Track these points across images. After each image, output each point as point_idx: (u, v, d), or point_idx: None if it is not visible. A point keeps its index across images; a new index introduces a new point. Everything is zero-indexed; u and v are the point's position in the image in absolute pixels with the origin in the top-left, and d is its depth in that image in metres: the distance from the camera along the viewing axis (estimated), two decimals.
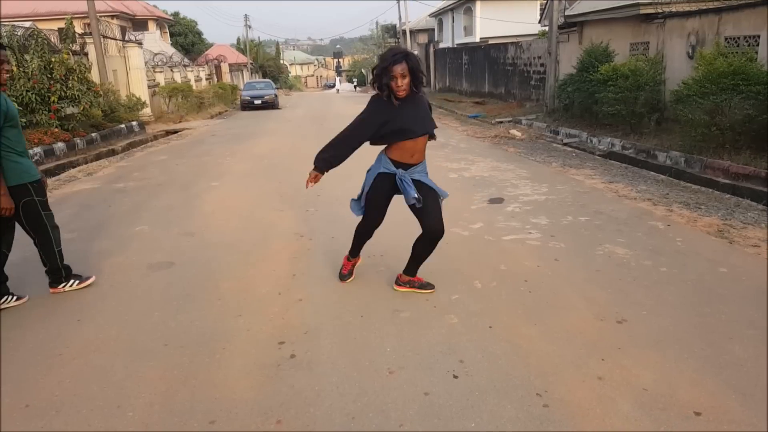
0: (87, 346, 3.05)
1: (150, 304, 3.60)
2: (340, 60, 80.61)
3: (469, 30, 27.26)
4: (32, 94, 9.85)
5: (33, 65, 10.04)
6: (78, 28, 14.81)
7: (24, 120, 9.23)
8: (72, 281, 3.83)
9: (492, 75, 20.25)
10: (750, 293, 3.51)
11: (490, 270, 4.02)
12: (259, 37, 63.31)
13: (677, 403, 2.40)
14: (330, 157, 3.33)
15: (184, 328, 3.23)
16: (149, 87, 17.42)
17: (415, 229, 3.50)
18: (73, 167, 9.28)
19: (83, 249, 4.55)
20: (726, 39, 8.34)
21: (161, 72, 20.63)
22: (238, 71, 41.34)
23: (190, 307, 3.54)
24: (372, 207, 3.48)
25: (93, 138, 11.07)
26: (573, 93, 10.74)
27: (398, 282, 3.66)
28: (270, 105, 23.50)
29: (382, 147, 3.39)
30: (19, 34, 10.74)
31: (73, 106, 10.64)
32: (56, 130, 10.05)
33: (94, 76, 13.12)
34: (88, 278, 3.93)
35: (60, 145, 9.71)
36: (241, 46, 48.49)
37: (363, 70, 55.97)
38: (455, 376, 2.65)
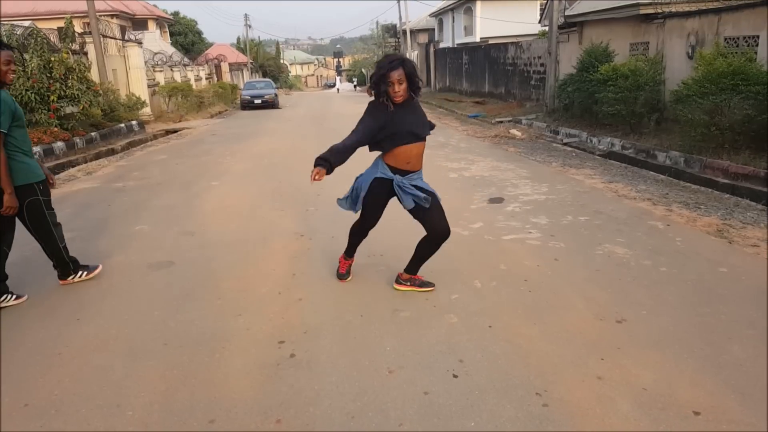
0: (86, 346, 3.05)
1: (150, 304, 3.60)
2: (341, 60, 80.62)
3: (469, 30, 27.27)
4: (32, 93, 9.85)
5: (32, 64, 10.04)
6: (77, 27, 14.80)
7: None
8: (81, 272, 3.95)
9: (492, 75, 20.25)
10: (749, 293, 3.51)
11: (489, 270, 4.02)
12: (259, 37, 63.35)
13: (676, 402, 2.41)
14: (329, 157, 3.32)
15: (183, 328, 3.23)
16: (149, 86, 17.42)
17: (415, 228, 3.51)
18: (73, 166, 9.29)
19: (83, 248, 4.55)
20: (725, 39, 8.34)
21: (161, 71, 20.62)
22: (238, 71, 41.34)
23: (189, 306, 3.54)
24: (368, 211, 3.50)
25: (92, 137, 11.06)
26: (573, 93, 10.74)
27: (398, 281, 3.67)
28: (270, 104, 23.50)
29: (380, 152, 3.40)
30: (18, 33, 10.74)
31: (72, 106, 10.64)
32: (56, 129, 10.04)
33: (94, 75, 13.12)
34: (95, 268, 4.06)
35: (59, 144, 9.71)
36: (241, 46, 48.49)
37: (363, 70, 55.95)
38: (455, 376, 2.65)
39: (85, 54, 13.82)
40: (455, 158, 8.95)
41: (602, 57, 10.35)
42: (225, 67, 35.68)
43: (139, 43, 17.19)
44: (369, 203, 3.44)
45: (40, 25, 14.03)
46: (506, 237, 4.81)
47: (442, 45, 31.07)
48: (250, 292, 3.74)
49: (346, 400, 2.49)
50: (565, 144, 10.22)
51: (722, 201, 5.84)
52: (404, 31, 33.77)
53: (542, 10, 16.64)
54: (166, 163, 9.64)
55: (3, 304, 3.53)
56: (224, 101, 24.19)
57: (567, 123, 11.20)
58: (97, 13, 14.42)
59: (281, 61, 63.21)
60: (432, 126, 3.64)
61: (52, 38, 12.11)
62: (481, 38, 25.28)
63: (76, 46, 13.42)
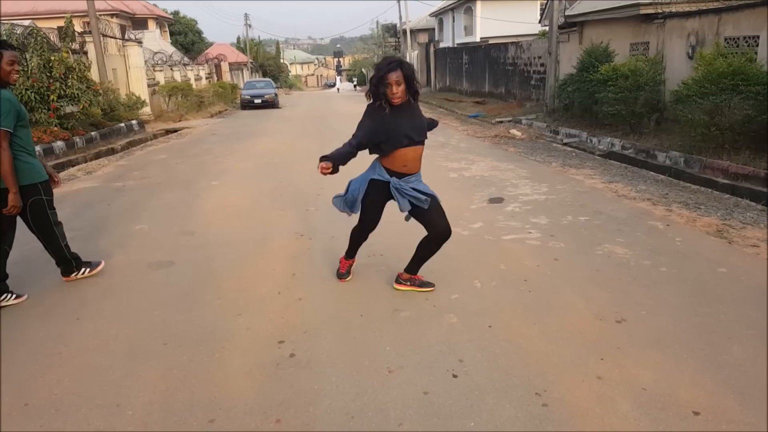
0: (86, 345, 3.05)
1: (149, 303, 3.60)
2: (341, 59, 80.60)
3: (469, 30, 27.27)
4: (31, 92, 9.84)
5: (32, 64, 10.04)
6: (77, 26, 14.79)
7: None
8: (83, 269, 4.01)
9: (492, 75, 20.25)
10: (749, 293, 3.51)
11: (489, 269, 4.02)
12: (259, 36, 63.48)
13: (676, 402, 2.41)
14: (332, 157, 3.31)
15: (183, 327, 3.23)
16: (149, 86, 17.42)
17: (415, 228, 3.51)
18: (73, 166, 9.28)
19: (83, 248, 4.54)
20: (726, 39, 8.34)
21: (161, 71, 20.62)
22: (238, 70, 41.33)
23: (189, 306, 3.54)
24: (366, 213, 3.51)
25: (92, 137, 11.06)
26: (573, 93, 10.74)
27: (398, 280, 3.67)
28: (270, 104, 23.50)
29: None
30: (18, 32, 10.72)
31: (72, 105, 10.63)
32: (55, 128, 10.04)
33: (94, 74, 13.12)
34: (98, 264, 4.13)
35: (59, 143, 9.71)
36: (241, 45, 48.48)
37: (363, 70, 55.95)
38: (455, 376, 2.65)
39: (85, 53, 13.82)
40: (455, 158, 8.95)
41: (602, 57, 10.34)
42: (225, 66, 35.68)
43: (139, 42, 17.19)
44: (366, 205, 3.45)
45: (40, 24, 14.02)
46: (506, 237, 4.81)
47: (442, 45, 31.07)
48: (249, 291, 3.74)
49: (346, 399, 2.49)
50: (565, 144, 10.22)
51: (722, 201, 5.84)
52: (404, 31, 33.76)
53: (542, 10, 16.64)
54: (166, 162, 9.64)
55: (3, 304, 3.53)
56: (224, 101, 24.19)
57: (567, 123, 11.20)
58: (97, 13, 14.42)
59: (281, 60, 63.20)
60: (435, 123, 3.65)
61: (52, 37, 12.11)
62: (481, 38, 25.28)
63: (76, 46, 13.42)
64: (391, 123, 3.20)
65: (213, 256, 4.49)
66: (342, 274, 3.86)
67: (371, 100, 3.24)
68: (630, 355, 2.79)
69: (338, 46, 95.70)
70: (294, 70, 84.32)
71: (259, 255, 4.48)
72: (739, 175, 6.14)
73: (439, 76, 28.94)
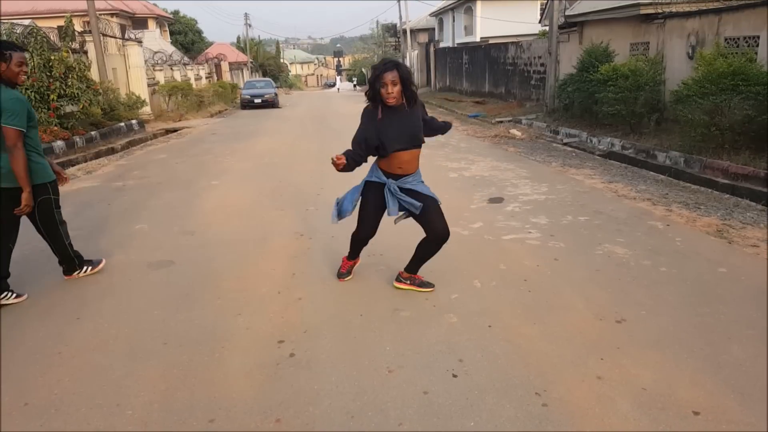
0: (86, 345, 3.05)
1: (149, 303, 3.60)
2: (341, 59, 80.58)
3: (469, 29, 27.27)
4: (31, 92, 9.84)
5: (32, 63, 10.03)
6: (77, 26, 14.80)
7: None
8: (85, 267, 4.07)
9: (492, 75, 20.25)
10: (749, 293, 3.51)
11: (489, 269, 4.02)
12: (259, 36, 63.41)
13: (676, 402, 2.41)
14: (346, 153, 3.32)
15: (183, 327, 3.23)
16: (149, 85, 17.41)
17: (415, 228, 3.51)
18: (73, 165, 9.28)
19: (83, 247, 4.54)
20: (726, 39, 8.34)
21: (161, 70, 20.62)
22: (238, 70, 41.32)
23: (189, 305, 3.54)
24: (362, 216, 3.51)
25: (92, 136, 11.06)
26: (573, 93, 10.74)
27: (399, 279, 3.68)
28: (270, 104, 23.50)
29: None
30: (18, 32, 10.72)
31: (72, 105, 10.63)
32: (55, 128, 10.04)
33: (94, 74, 13.12)
34: (99, 262, 4.18)
35: (59, 143, 9.71)
36: (241, 45, 48.47)
37: (363, 69, 55.91)
38: (454, 375, 2.65)
39: (85, 53, 13.82)
40: (455, 158, 8.95)
41: (602, 57, 10.35)
42: (225, 66, 35.66)
43: (139, 42, 17.19)
44: (362, 207, 3.47)
45: (40, 23, 14.02)
46: (506, 237, 4.81)
47: (442, 45, 31.07)
48: (249, 291, 3.74)
49: (346, 399, 2.49)
50: (565, 144, 10.22)
51: (722, 201, 5.84)
52: (404, 31, 33.75)
53: (542, 10, 16.64)
54: (166, 162, 9.64)
55: (3, 302, 3.54)
56: (224, 100, 24.19)
57: (567, 123, 11.20)
58: (97, 12, 14.42)
59: (281, 60, 63.18)
60: (448, 126, 3.65)
61: (52, 37, 12.11)
62: (481, 38, 25.27)
63: (75, 45, 13.42)
64: (384, 127, 3.21)
65: (213, 256, 4.49)
66: (342, 274, 3.86)
67: (369, 101, 3.26)
68: (630, 355, 2.79)
69: (338, 45, 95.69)
70: (294, 70, 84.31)
71: (259, 255, 4.48)
72: (739, 175, 6.15)
73: (439, 76, 28.94)
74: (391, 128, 3.22)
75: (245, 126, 16.08)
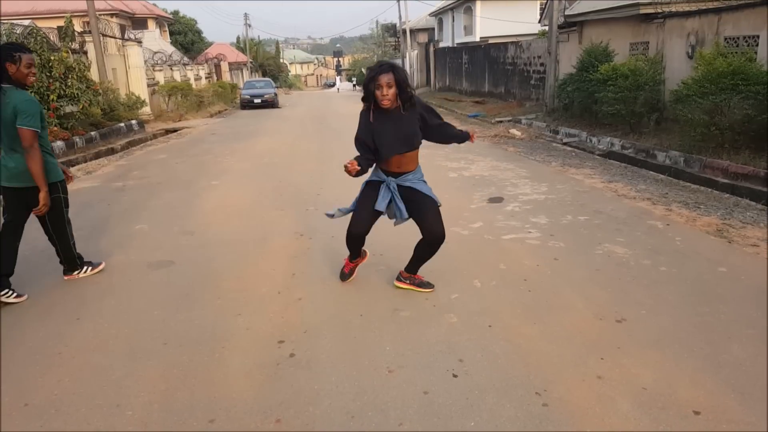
0: (86, 345, 3.05)
1: (149, 303, 3.60)
2: (340, 59, 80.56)
3: (469, 29, 27.26)
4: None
5: None
6: (77, 26, 14.81)
7: None
8: (85, 268, 4.09)
9: (492, 74, 20.25)
10: (749, 293, 3.51)
11: (489, 269, 4.02)
12: (258, 36, 63.41)
13: (676, 402, 2.41)
14: (357, 158, 3.32)
15: (183, 327, 3.23)
16: (149, 86, 17.41)
17: (415, 228, 3.50)
18: (72, 166, 9.27)
19: (83, 247, 4.54)
20: (725, 39, 8.34)
21: (161, 71, 20.62)
22: (238, 70, 41.31)
23: (189, 305, 3.54)
24: (357, 209, 3.48)
25: (92, 136, 11.06)
26: (573, 92, 10.74)
27: (399, 278, 3.68)
28: (270, 104, 23.51)
29: None
30: (18, 32, 10.72)
31: (72, 105, 10.63)
32: (55, 128, 10.03)
33: (94, 74, 13.12)
34: (99, 264, 4.20)
35: (59, 143, 9.70)
36: (240, 45, 48.46)
37: (363, 69, 55.89)
38: (455, 375, 2.65)
39: (85, 53, 13.82)
40: (455, 158, 8.94)
41: (602, 57, 10.35)
42: (225, 66, 35.66)
43: (139, 42, 17.19)
44: (359, 201, 3.46)
45: (40, 24, 14.03)
46: (506, 236, 4.81)
47: (441, 44, 31.06)
48: (249, 291, 3.74)
49: (346, 399, 2.49)
50: (565, 144, 10.22)
51: (722, 201, 5.84)
52: (404, 31, 33.73)
53: (542, 9, 16.64)
54: (165, 162, 9.64)
55: (3, 299, 3.56)
56: (224, 100, 24.20)
57: (567, 123, 11.20)
58: (97, 12, 14.42)
59: (281, 60, 63.18)
60: (465, 136, 3.62)
61: (51, 37, 12.11)
62: (480, 38, 25.26)
63: (75, 45, 13.42)
64: (378, 130, 3.22)
65: (213, 256, 4.49)
66: (345, 275, 3.81)
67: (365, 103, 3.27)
68: (630, 355, 2.79)
69: (338, 45, 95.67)
70: (294, 70, 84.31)
71: (259, 255, 4.48)
72: (739, 174, 6.15)
73: (438, 76, 28.94)
74: (385, 132, 3.22)
75: (245, 126, 16.08)
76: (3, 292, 3.57)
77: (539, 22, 16.64)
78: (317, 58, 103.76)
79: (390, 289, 3.68)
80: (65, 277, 4.00)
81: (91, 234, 5.17)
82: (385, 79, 3.09)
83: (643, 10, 9.89)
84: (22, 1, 22.96)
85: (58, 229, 3.83)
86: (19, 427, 2.37)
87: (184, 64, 25.37)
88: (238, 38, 51.29)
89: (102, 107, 12.37)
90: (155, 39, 26.24)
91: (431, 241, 3.39)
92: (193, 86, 22.10)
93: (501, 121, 13.83)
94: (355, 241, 3.57)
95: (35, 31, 10.83)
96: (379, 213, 3.43)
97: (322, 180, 7.28)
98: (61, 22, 13.45)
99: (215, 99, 22.94)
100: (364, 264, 3.98)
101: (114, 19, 21.37)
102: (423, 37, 35.59)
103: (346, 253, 3.84)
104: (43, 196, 3.50)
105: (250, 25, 47.92)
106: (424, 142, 3.43)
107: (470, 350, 2.88)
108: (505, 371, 2.68)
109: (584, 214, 5.44)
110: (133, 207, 6.26)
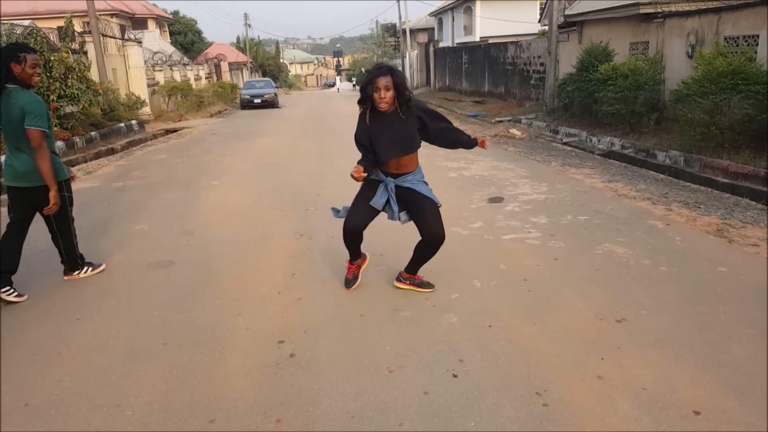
0: (86, 345, 3.05)
1: (149, 303, 3.60)
2: (340, 59, 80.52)
3: (469, 29, 27.25)
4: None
5: None
6: (77, 26, 14.79)
7: None
8: (86, 268, 4.10)
9: (492, 74, 20.24)
10: (749, 292, 3.51)
11: (489, 269, 4.02)
12: (258, 36, 63.41)
13: (677, 402, 2.41)
14: (362, 162, 3.32)
15: (183, 327, 3.23)
16: (149, 86, 17.41)
17: (415, 228, 3.50)
18: (73, 166, 9.27)
19: (83, 248, 4.53)
20: (725, 39, 8.34)
21: (161, 71, 20.61)
22: (238, 70, 41.31)
23: (189, 305, 3.54)
24: (353, 206, 3.45)
25: (92, 137, 11.06)
26: (573, 92, 10.74)
27: (399, 278, 3.68)
28: (270, 104, 23.51)
29: None
30: (18, 32, 10.71)
31: (72, 105, 10.63)
32: (55, 128, 10.00)
33: (94, 74, 13.11)
34: (99, 265, 4.21)
35: (59, 143, 9.69)
36: (240, 45, 48.45)
37: (363, 70, 55.91)
38: (455, 375, 2.65)
39: (85, 53, 13.82)
40: (455, 158, 8.94)
41: (602, 56, 10.34)
42: (225, 66, 35.66)
43: (139, 42, 17.19)
44: (355, 199, 3.44)
45: (40, 24, 14.01)
46: (506, 236, 4.81)
47: (441, 44, 31.05)
48: (249, 291, 3.74)
49: (346, 399, 2.49)
50: (565, 143, 10.22)
51: (722, 200, 5.84)
52: (404, 31, 33.73)
53: (542, 9, 16.64)
54: (165, 162, 9.64)
55: (3, 296, 3.57)
56: (224, 101, 24.19)
57: (567, 122, 11.20)
58: (97, 13, 14.42)
59: (281, 60, 63.16)
60: (473, 142, 3.59)
61: (51, 37, 12.10)
62: (480, 38, 25.25)
63: (75, 46, 13.42)
64: (375, 133, 3.22)
65: (213, 256, 4.49)
66: (348, 281, 3.73)
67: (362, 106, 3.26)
68: (630, 355, 2.79)
69: (338, 45, 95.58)
70: (294, 70, 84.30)
71: (259, 255, 4.48)
72: (739, 174, 6.14)
73: (438, 76, 28.93)
74: (382, 135, 3.22)
75: (245, 126, 16.08)
76: (5, 289, 3.58)
77: (539, 21, 16.64)
78: (317, 58, 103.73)
79: (390, 289, 3.68)
80: (65, 278, 4.01)
81: (92, 234, 5.17)
82: (383, 81, 3.09)
83: (643, 10, 9.89)
84: (22, 1, 22.96)
85: (63, 227, 3.85)
86: (19, 427, 2.37)
87: (184, 65, 25.37)
88: (238, 38, 51.30)
89: (102, 107, 12.37)
90: (155, 39, 26.23)
91: (431, 242, 3.39)
92: (193, 86, 22.10)
93: (501, 121, 13.83)
94: (351, 237, 3.48)
95: (35, 31, 10.83)
96: (376, 210, 3.41)
97: (322, 180, 7.28)
98: (61, 23, 13.44)
99: (215, 99, 22.94)
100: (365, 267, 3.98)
101: (114, 20, 21.37)
102: (423, 37, 35.58)
103: (346, 253, 3.84)
104: (53, 195, 3.53)
105: (250, 25, 47.94)
106: (424, 142, 3.43)
107: (470, 350, 2.88)
108: (505, 371, 2.67)
109: (584, 213, 5.44)
110: (133, 207, 6.26)
